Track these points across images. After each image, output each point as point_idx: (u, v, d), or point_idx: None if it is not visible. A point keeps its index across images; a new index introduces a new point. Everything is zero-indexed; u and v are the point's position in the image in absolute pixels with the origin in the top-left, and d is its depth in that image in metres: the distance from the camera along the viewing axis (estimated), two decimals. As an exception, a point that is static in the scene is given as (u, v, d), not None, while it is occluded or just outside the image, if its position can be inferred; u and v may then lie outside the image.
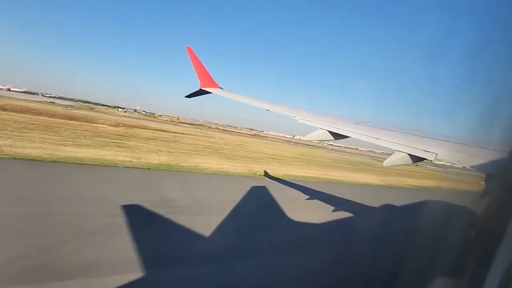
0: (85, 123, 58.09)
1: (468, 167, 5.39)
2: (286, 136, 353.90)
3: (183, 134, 75.68)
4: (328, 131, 8.58)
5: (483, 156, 5.37)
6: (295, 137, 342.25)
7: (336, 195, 29.05)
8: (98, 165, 25.38)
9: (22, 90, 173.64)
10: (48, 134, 35.49)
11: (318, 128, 8.85)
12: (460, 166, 5.75)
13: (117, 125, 66.65)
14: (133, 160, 29.99)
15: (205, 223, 15.24)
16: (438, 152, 6.27)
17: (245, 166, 38.37)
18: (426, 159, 6.39)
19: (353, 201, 27.44)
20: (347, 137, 8.42)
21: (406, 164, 6.70)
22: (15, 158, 22.32)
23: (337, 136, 8.54)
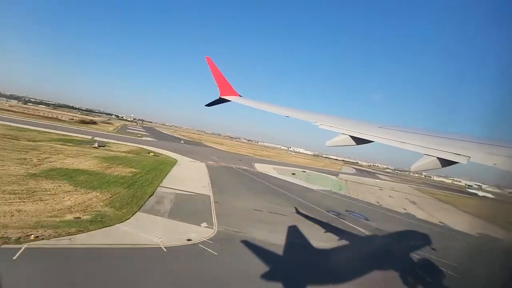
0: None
1: (506, 170, 4.99)
2: (282, 147, 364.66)
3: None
4: (350, 136, 8.34)
5: None
6: (290, 149, 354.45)
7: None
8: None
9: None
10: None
11: (340, 134, 8.62)
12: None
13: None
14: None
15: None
16: (471, 155, 5.86)
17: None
18: (457, 162, 5.99)
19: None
20: (370, 141, 8.12)
21: (435, 168, 6.33)
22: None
23: (359, 141, 8.27)
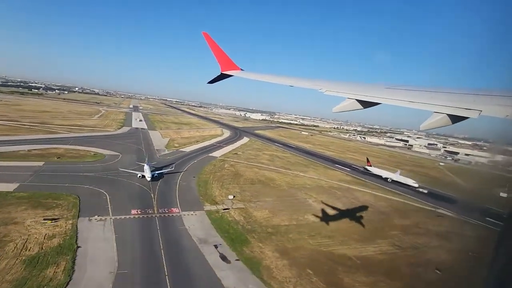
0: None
1: None
2: (236, 113, 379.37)
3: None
4: (357, 100, 8.21)
5: None
6: (246, 114, 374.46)
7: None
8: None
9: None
10: None
11: (346, 98, 8.49)
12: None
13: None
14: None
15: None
16: (482, 109, 5.73)
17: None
18: (467, 117, 5.87)
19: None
20: (378, 104, 8.00)
21: (445, 126, 6.23)
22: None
23: (366, 104, 8.15)
